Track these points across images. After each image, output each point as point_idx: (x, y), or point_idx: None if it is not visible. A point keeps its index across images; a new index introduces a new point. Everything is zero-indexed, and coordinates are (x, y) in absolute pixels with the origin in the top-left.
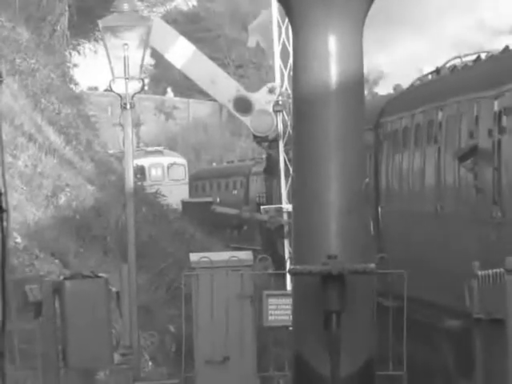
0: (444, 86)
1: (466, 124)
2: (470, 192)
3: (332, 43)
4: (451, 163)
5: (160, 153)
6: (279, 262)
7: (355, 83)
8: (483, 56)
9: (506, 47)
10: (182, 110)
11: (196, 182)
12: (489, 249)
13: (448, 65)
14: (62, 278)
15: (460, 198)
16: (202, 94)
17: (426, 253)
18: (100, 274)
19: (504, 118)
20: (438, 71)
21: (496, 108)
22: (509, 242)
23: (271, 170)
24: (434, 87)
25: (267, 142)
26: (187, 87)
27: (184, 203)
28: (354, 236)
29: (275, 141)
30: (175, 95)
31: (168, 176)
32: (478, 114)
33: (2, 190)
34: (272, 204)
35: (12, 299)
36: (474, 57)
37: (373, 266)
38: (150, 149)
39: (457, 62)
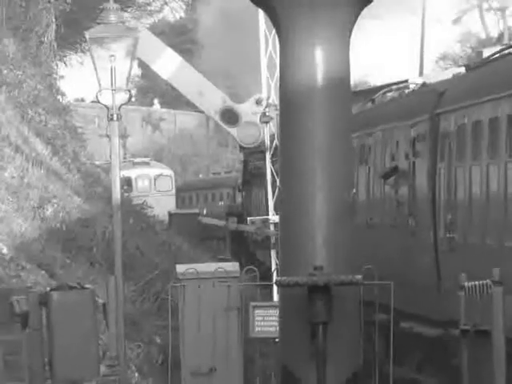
0: (374, 114)
1: (389, 148)
2: (391, 205)
3: (319, 53)
4: (378, 181)
5: (147, 164)
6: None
7: (342, 93)
8: (412, 85)
9: (424, 83)
10: (169, 121)
11: (183, 193)
12: (406, 252)
13: (381, 95)
14: (48, 289)
15: (384, 210)
16: (189, 106)
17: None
18: (86, 286)
19: (417, 144)
20: (373, 100)
21: (411, 135)
22: (421, 246)
23: (248, 180)
24: (367, 115)
25: (259, 152)
26: (174, 98)
27: (171, 215)
28: (341, 247)
29: (261, 152)
30: (162, 106)
31: (155, 187)
32: (398, 140)
33: None
34: (250, 215)
35: None
36: (406, 87)
37: (359, 277)
38: (136, 160)
39: (389, 93)
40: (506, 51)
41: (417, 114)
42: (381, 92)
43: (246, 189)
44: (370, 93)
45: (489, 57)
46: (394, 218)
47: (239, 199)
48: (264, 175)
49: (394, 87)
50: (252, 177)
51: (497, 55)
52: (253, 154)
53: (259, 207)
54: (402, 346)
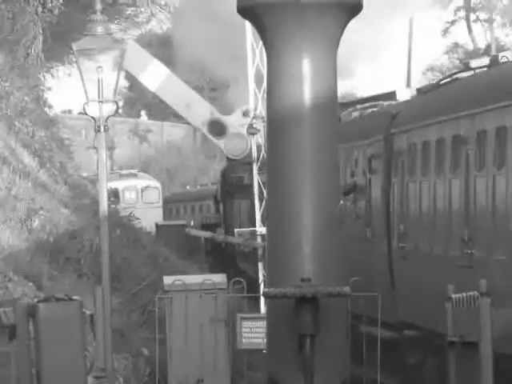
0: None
1: (349, 166)
2: (351, 218)
3: (306, 66)
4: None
5: (134, 176)
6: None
7: (329, 105)
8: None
9: (381, 104)
10: (156, 132)
11: (170, 205)
12: (364, 261)
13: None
14: (35, 300)
15: (345, 223)
16: (177, 117)
17: None
18: (74, 297)
19: (373, 162)
20: (339, 118)
21: (368, 153)
22: (377, 255)
23: (229, 191)
24: None
25: (243, 164)
26: (161, 110)
27: (158, 226)
28: (328, 259)
29: (248, 163)
30: (149, 118)
31: (142, 199)
32: (357, 158)
33: None
34: (230, 227)
35: None
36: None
37: (347, 288)
38: (124, 172)
39: (354, 113)
40: (454, 76)
41: (373, 134)
42: (347, 110)
43: (225, 200)
44: (356, 104)
45: (438, 81)
46: (353, 230)
47: (213, 211)
48: (247, 186)
49: (359, 106)
50: (234, 188)
51: (446, 80)
52: (234, 165)
53: (242, 218)
54: (365, 349)
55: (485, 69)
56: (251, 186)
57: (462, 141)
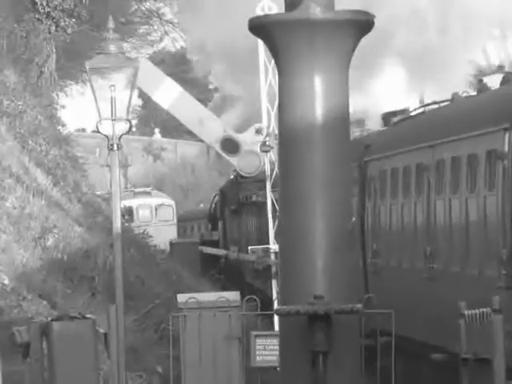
0: None
1: None
2: None
3: (317, 83)
4: None
5: (148, 194)
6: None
7: (341, 122)
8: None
9: (354, 134)
10: (170, 150)
11: (184, 222)
12: None
13: None
14: (49, 319)
15: None
16: (190, 135)
17: None
18: (87, 315)
19: None
20: None
21: None
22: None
23: (235, 209)
24: None
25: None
26: (175, 128)
27: (172, 244)
28: (341, 276)
29: (261, 181)
30: (163, 136)
31: (156, 217)
32: None
33: None
34: (228, 244)
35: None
36: None
37: (359, 305)
38: (138, 190)
39: None
40: (421, 110)
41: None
42: None
43: (225, 218)
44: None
45: (408, 115)
46: None
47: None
48: (255, 204)
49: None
50: (241, 206)
51: (415, 112)
52: (233, 184)
53: (250, 236)
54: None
55: (448, 103)
56: (257, 203)
57: (423, 168)
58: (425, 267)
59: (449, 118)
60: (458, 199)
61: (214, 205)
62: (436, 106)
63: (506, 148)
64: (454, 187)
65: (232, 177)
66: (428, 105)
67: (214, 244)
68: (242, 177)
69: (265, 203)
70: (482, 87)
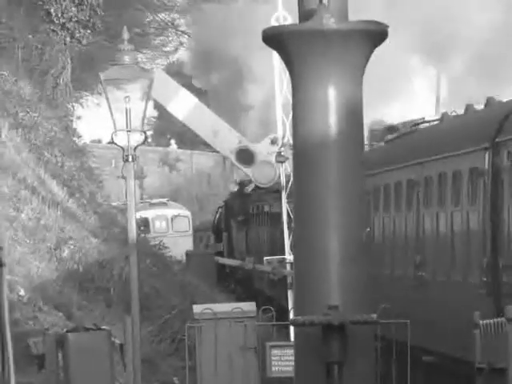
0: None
1: None
2: None
3: (331, 94)
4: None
5: (164, 205)
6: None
7: (355, 134)
8: None
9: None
10: (186, 161)
11: (200, 233)
12: None
13: None
14: (64, 330)
15: None
16: (206, 146)
17: None
18: (103, 327)
19: None
20: None
21: None
22: None
23: (244, 220)
24: None
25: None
26: (191, 139)
27: (188, 255)
28: (356, 286)
29: (277, 191)
30: (179, 147)
31: (172, 228)
32: None
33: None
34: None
35: (15, 352)
36: None
37: (374, 316)
38: (153, 201)
39: None
40: (413, 128)
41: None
42: None
43: (230, 229)
44: (385, 132)
45: (398, 132)
46: None
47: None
48: (267, 214)
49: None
50: (250, 217)
51: (408, 130)
52: (238, 196)
53: (260, 247)
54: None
55: (437, 122)
56: (270, 214)
57: (413, 184)
58: (414, 276)
59: (437, 137)
60: (444, 213)
61: (218, 216)
62: (427, 125)
63: (486, 166)
64: (441, 202)
65: (235, 189)
66: (419, 123)
67: (219, 255)
68: (254, 188)
69: (277, 214)
70: (468, 107)
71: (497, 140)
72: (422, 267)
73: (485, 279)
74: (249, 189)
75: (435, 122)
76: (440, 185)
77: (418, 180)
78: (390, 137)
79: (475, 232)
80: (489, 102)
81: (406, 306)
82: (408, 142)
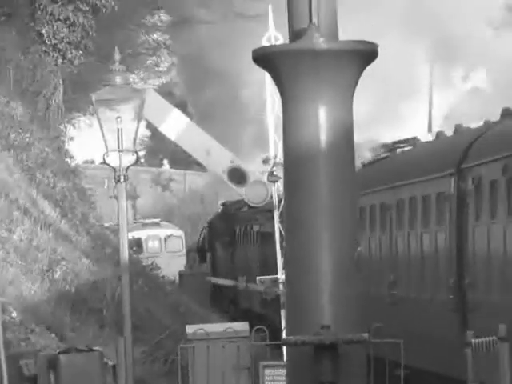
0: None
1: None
2: None
3: (322, 113)
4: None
5: (157, 225)
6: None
7: (346, 152)
8: None
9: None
10: (179, 181)
11: (193, 253)
12: None
13: None
14: (56, 352)
15: None
16: (199, 165)
17: None
18: (95, 348)
19: None
20: None
21: None
22: None
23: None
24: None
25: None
26: (184, 159)
27: (181, 275)
28: (347, 305)
29: (270, 211)
30: (171, 167)
31: (165, 248)
32: None
33: None
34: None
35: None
36: None
37: (366, 335)
38: (147, 221)
39: None
40: (386, 154)
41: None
42: None
43: (214, 249)
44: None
45: (376, 158)
46: None
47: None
48: (254, 234)
49: None
50: (238, 236)
51: (382, 156)
52: (223, 216)
53: (251, 266)
54: None
55: (410, 147)
56: (260, 233)
57: (386, 207)
58: (388, 294)
59: (408, 163)
60: (415, 234)
61: (202, 237)
62: (400, 150)
63: (452, 191)
64: (412, 224)
65: (220, 210)
66: (394, 149)
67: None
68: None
69: (267, 233)
70: (439, 134)
71: (462, 166)
72: (396, 286)
73: (451, 297)
74: (244, 208)
75: (408, 148)
76: (411, 208)
77: (391, 203)
78: (365, 162)
79: (443, 252)
80: (457, 129)
81: (382, 323)
82: (382, 167)
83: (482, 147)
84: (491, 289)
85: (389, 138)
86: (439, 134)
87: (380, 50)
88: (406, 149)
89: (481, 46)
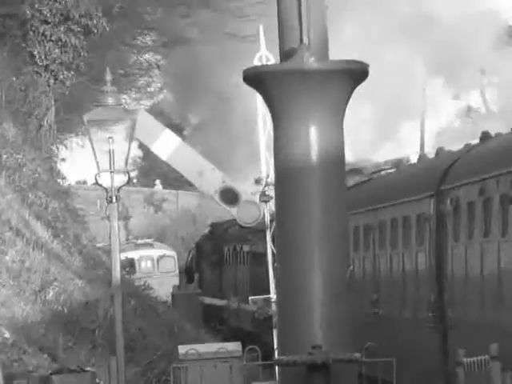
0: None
1: None
2: None
3: (312, 132)
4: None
5: (150, 245)
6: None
7: (337, 171)
8: None
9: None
10: (171, 201)
11: (186, 273)
12: None
13: None
14: (49, 372)
15: None
16: (191, 185)
17: None
18: (87, 368)
19: None
20: None
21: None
22: None
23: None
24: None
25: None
26: (176, 179)
27: (174, 295)
28: (339, 325)
29: (262, 231)
30: (164, 187)
31: (158, 268)
32: None
33: None
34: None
35: None
36: None
37: (358, 354)
38: (139, 241)
39: None
40: (368, 178)
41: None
42: None
43: (202, 270)
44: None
45: (360, 181)
46: None
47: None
48: (244, 254)
49: None
50: (226, 257)
51: (364, 180)
52: (210, 238)
53: (239, 286)
54: None
55: (393, 170)
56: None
57: (369, 228)
58: (371, 313)
59: (390, 185)
60: (397, 254)
61: (190, 258)
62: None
63: (432, 212)
64: (393, 244)
65: (207, 231)
66: (379, 171)
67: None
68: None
69: (258, 253)
70: (421, 156)
71: (441, 188)
72: (378, 304)
73: (431, 314)
74: (234, 228)
75: (391, 170)
76: (392, 229)
77: (373, 224)
78: (352, 184)
79: (423, 271)
80: (438, 152)
81: (365, 342)
82: (365, 189)
83: (460, 170)
84: (469, 306)
85: (381, 157)
86: (421, 157)
87: (380, 66)
88: (390, 171)
89: (480, 64)
